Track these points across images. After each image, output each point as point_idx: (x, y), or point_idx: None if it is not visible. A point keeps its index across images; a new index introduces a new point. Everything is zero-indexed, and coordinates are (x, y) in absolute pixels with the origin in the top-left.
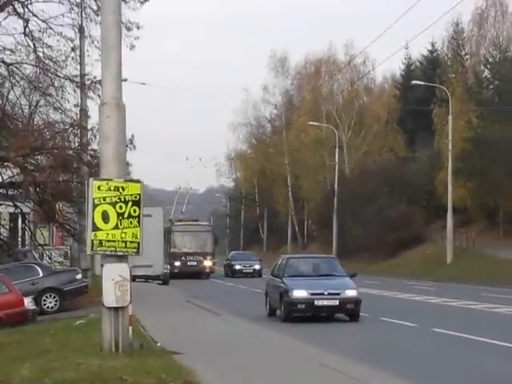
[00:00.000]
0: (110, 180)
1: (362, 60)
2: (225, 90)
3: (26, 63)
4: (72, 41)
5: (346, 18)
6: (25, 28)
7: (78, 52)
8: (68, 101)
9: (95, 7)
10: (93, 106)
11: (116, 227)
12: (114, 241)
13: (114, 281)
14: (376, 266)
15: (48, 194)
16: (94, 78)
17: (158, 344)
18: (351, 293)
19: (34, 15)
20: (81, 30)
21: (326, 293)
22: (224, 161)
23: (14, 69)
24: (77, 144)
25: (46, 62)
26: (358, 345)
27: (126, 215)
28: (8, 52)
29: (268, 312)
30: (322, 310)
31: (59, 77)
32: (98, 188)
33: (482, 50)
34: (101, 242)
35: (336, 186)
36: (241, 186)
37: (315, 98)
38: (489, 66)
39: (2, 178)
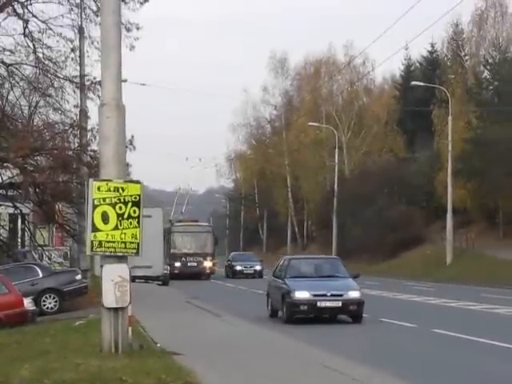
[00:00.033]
0: (110, 181)
1: (361, 61)
2: (225, 91)
3: (26, 64)
4: (72, 41)
5: (346, 18)
6: (24, 29)
7: (77, 53)
8: (68, 101)
9: (95, 8)
10: (92, 107)
11: (116, 228)
12: (114, 241)
13: (113, 281)
14: (376, 266)
15: (48, 195)
16: (94, 78)
17: (158, 345)
18: (354, 294)
19: (34, 16)
20: (80, 30)
21: (328, 294)
22: (224, 161)
23: (14, 69)
24: (76, 145)
25: (46, 62)
26: (359, 346)
27: (125, 216)
28: (8, 53)
29: (270, 313)
30: (324, 312)
31: (59, 77)
32: (98, 189)
33: (482, 51)
34: (100, 242)
35: (336, 186)
36: (240, 186)
37: (315, 98)
38: (488, 67)
39: (2, 178)
